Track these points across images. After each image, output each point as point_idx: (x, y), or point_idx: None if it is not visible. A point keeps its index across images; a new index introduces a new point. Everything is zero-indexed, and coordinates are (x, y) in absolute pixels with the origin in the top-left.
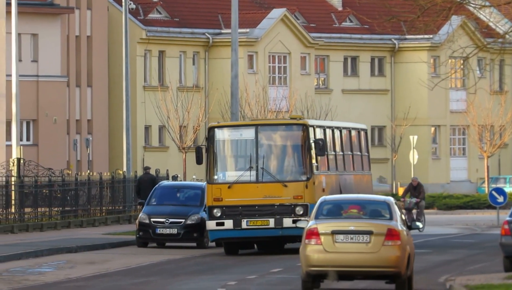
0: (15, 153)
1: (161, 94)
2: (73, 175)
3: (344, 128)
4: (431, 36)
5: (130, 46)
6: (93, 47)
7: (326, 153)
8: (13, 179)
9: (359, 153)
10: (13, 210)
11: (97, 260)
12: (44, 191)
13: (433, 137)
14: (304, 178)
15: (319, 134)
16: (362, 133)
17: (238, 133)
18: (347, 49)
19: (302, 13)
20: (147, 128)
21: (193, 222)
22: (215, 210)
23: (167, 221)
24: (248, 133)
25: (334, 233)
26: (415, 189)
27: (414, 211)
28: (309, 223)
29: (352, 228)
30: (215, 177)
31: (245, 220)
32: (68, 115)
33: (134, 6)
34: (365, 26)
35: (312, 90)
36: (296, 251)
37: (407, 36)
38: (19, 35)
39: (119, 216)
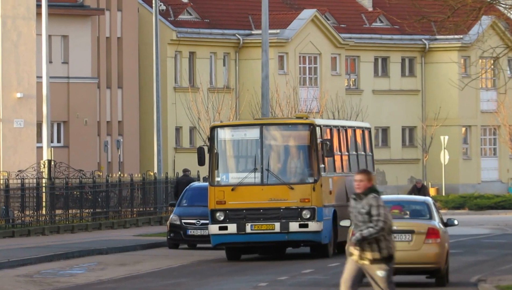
0: (46, 155)
1: (191, 95)
2: (104, 176)
3: (349, 127)
4: (461, 36)
5: (161, 47)
6: (124, 48)
7: (333, 154)
8: (44, 181)
9: (363, 153)
10: (44, 212)
11: (128, 261)
12: (75, 192)
13: (463, 137)
14: (311, 180)
15: (326, 134)
16: (367, 132)
17: (242, 133)
18: (378, 49)
19: (333, 13)
20: (177, 129)
21: None
22: (218, 214)
23: (198, 222)
24: (253, 133)
25: None
26: (419, 191)
27: None
28: None
29: (394, 227)
30: (218, 179)
31: (249, 224)
32: (99, 116)
33: (164, 7)
34: (396, 27)
35: (342, 90)
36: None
37: (438, 37)
38: (49, 36)
39: (150, 217)
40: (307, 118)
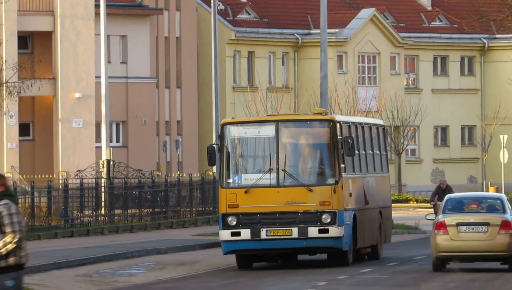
0: (105, 155)
1: (250, 95)
2: (163, 176)
3: (366, 124)
4: None
5: (219, 47)
6: (182, 48)
7: (355, 153)
8: (103, 180)
9: (378, 152)
10: (103, 211)
11: (187, 261)
12: (134, 192)
13: None
14: (331, 181)
15: (346, 131)
16: (381, 130)
17: (255, 130)
18: (437, 48)
19: (391, 12)
20: None
21: None
22: (229, 218)
23: None
24: (267, 130)
25: (458, 224)
26: (443, 192)
27: None
28: (438, 217)
29: (472, 220)
30: (230, 180)
31: (264, 229)
32: (158, 116)
33: (223, 7)
34: (455, 26)
35: (401, 90)
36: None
37: (497, 35)
38: (108, 36)
39: (209, 217)
40: (326, 113)
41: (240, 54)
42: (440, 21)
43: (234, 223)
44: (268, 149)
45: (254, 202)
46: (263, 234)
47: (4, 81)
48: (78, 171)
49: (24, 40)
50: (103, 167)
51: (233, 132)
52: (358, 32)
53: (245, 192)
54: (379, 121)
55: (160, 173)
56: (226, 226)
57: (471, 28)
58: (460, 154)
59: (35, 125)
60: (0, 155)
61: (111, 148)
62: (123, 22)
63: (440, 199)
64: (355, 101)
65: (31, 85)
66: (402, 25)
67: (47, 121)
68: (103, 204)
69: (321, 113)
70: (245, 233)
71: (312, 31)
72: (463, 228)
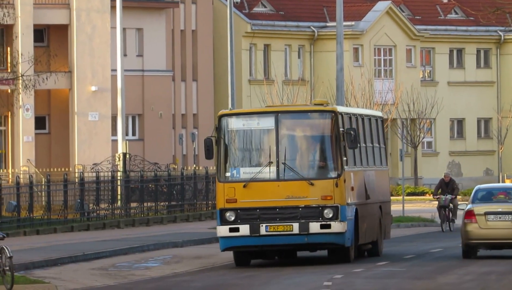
0: (121, 148)
1: (266, 88)
2: (179, 169)
3: (366, 116)
4: None
5: (235, 40)
6: (198, 41)
7: (358, 145)
8: (119, 174)
9: (378, 145)
10: (119, 205)
11: (203, 254)
12: (150, 185)
13: None
14: (334, 175)
15: (347, 122)
16: (380, 122)
17: (254, 122)
18: (453, 41)
19: (407, 5)
20: None
21: None
22: (228, 214)
23: None
24: (267, 122)
25: (486, 213)
26: (447, 185)
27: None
28: (467, 206)
29: (500, 209)
30: (228, 174)
31: (264, 225)
32: (174, 109)
33: (239, 0)
34: (471, 18)
35: (417, 82)
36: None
37: None
38: (124, 29)
39: None
40: (327, 104)
41: (256, 47)
42: (456, 13)
43: (233, 218)
44: (267, 142)
45: (253, 196)
46: (262, 230)
47: (20, 75)
48: (94, 164)
49: (40, 33)
50: (119, 160)
51: (231, 124)
52: (374, 25)
53: (244, 186)
54: (378, 113)
55: (176, 166)
56: (224, 221)
57: (487, 20)
58: (476, 147)
59: (51, 119)
60: (16, 149)
61: (127, 141)
62: (139, 15)
63: (443, 193)
64: (371, 94)
65: (47, 79)
66: (418, 17)
67: (63, 115)
68: (119, 197)
69: (322, 104)
70: (244, 229)
71: (328, 24)
72: (491, 217)
